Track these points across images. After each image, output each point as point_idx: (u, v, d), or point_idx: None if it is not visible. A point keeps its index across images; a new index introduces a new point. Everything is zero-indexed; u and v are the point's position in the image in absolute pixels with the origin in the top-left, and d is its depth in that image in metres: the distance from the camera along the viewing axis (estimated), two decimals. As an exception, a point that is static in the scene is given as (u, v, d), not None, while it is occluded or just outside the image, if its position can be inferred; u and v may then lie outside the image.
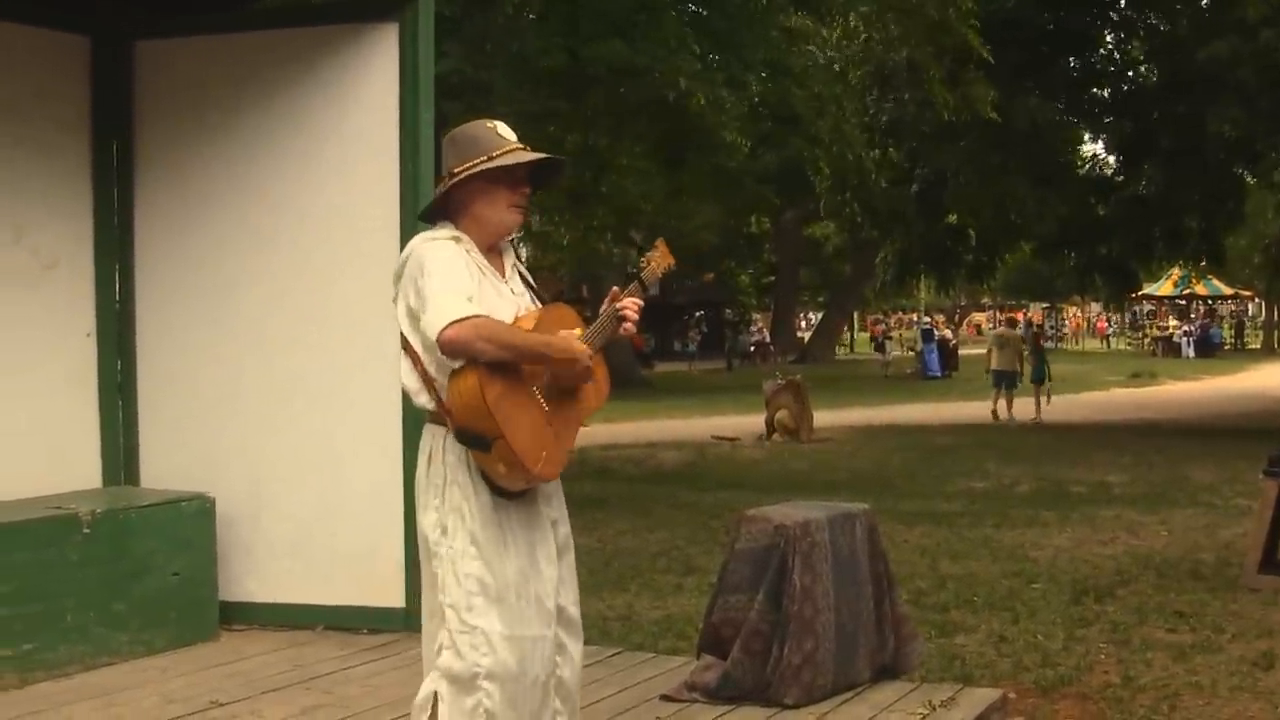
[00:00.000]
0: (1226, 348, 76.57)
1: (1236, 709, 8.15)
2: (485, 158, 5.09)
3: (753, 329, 79.52)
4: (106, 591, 8.00)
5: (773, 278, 76.82)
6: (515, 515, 5.09)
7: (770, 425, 28.32)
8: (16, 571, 7.57)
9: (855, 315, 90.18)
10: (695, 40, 18.63)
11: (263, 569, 8.82)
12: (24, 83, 8.71)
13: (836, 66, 22.68)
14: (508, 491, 5.04)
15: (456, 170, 5.13)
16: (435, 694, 5.00)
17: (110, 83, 9.10)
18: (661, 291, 77.82)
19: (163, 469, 9.05)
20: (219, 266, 8.97)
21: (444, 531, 5.04)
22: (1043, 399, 33.84)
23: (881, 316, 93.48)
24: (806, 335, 77.64)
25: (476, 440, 4.89)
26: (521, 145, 5.20)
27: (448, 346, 4.81)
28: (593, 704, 7.07)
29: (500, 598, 4.99)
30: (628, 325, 5.26)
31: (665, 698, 7.26)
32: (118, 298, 9.18)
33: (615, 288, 5.35)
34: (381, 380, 8.04)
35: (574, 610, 5.36)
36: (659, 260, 5.54)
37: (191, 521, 8.49)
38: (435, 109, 8.61)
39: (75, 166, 9.02)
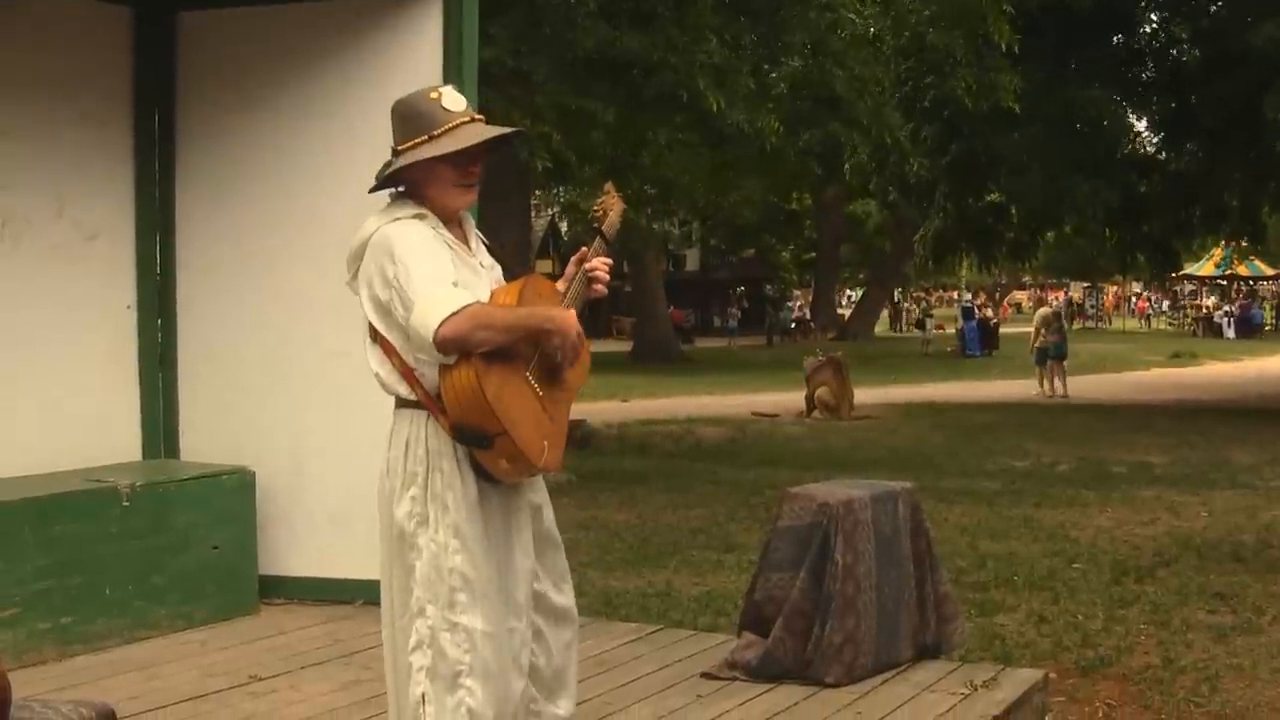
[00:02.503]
0: (1267, 328, 76.24)
1: (1277, 691, 8.12)
2: (426, 137, 4.80)
3: (793, 305, 79.44)
4: (146, 565, 7.99)
5: (813, 254, 76.75)
6: (496, 505, 4.85)
7: (810, 402, 28.31)
8: (56, 544, 7.56)
9: (897, 293, 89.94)
10: (723, 26, 18.43)
11: (303, 543, 8.80)
12: (65, 55, 8.67)
13: (871, 31, 22.50)
14: (496, 479, 4.80)
15: (399, 149, 4.88)
16: (423, 695, 4.77)
17: (152, 54, 9.05)
18: (702, 267, 77.97)
19: (203, 442, 9.03)
20: (261, 239, 8.94)
21: (423, 523, 4.77)
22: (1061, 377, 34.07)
23: (923, 295, 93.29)
24: (846, 312, 77.54)
25: (477, 438, 4.67)
26: (470, 117, 4.88)
27: (446, 345, 4.56)
28: (633, 681, 7.09)
29: (484, 594, 4.76)
30: (598, 287, 5.06)
31: (706, 675, 7.21)
32: (159, 270, 9.14)
33: (584, 248, 5.15)
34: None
35: (558, 597, 5.12)
36: (614, 206, 5.26)
37: (231, 495, 8.48)
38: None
39: (117, 138, 8.98)
